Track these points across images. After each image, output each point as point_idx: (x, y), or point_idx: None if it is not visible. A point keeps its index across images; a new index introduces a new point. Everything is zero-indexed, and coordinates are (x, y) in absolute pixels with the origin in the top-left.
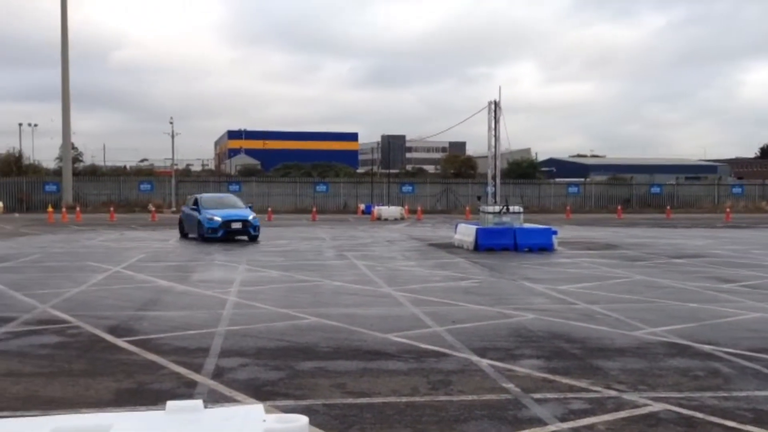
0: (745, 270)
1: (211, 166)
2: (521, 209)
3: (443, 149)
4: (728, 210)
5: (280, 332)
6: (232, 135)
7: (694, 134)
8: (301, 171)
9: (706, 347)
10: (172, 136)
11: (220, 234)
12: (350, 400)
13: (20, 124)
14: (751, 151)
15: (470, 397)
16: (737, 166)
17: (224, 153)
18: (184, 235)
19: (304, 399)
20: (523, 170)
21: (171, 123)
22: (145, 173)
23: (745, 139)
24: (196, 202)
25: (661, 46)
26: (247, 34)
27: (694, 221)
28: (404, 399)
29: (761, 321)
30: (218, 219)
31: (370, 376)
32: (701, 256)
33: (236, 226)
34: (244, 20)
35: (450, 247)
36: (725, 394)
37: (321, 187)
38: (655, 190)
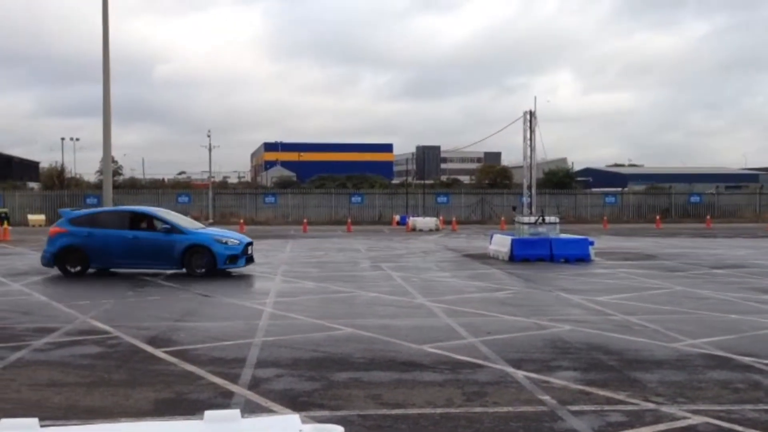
0: None
1: (248, 178)
2: (557, 219)
3: (478, 159)
4: None
5: (316, 343)
6: (269, 147)
7: (735, 142)
8: (336, 182)
9: (747, 359)
10: (210, 149)
11: (240, 264)
12: (385, 411)
13: (63, 139)
14: None
15: (506, 409)
16: None
17: (260, 165)
18: (77, 269)
19: (339, 410)
20: (559, 180)
21: (208, 136)
22: (183, 186)
23: None
24: (138, 218)
25: (702, 54)
26: (287, 47)
27: (736, 231)
28: (439, 410)
29: None
30: (236, 241)
31: (405, 387)
32: (742, 267)
33: (251, 251)
34: (284, 34)
35: (485, 258)
36: (766, 407)
37: (356, 199)
38: (695, 199)
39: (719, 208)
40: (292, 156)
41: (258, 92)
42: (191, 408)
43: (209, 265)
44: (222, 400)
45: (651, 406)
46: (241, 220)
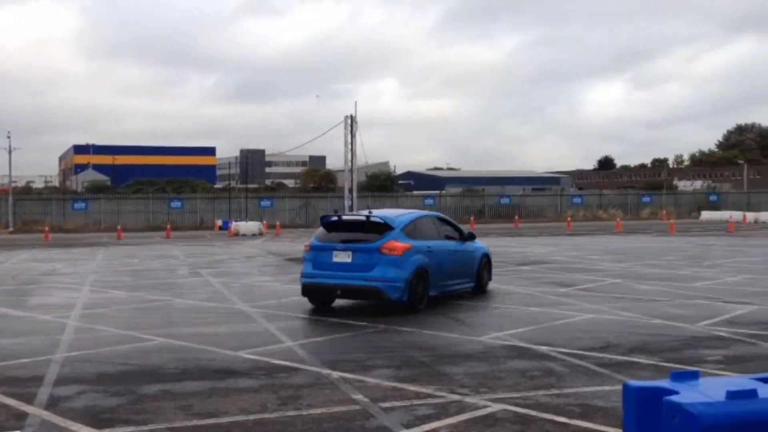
0: (582, 275)
1: (56, 183)
2: None
3: (303, 163)
4: (569, 219)
5: (124, 356)
6: (79, 150)
7: (542, 148)
8: (154, 187)
9: (543, 348)
10: (10, 152)
11: None
12: (195, 422)
13: None
14: (591, 164)
15: (319, 411)
16: (578, 177)
17: (70, 169)
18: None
19: (145, 424)
20: (381, 183)
21: (8, 137)
22: None
23: (586, 153)
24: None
25: (513, 66)
26: (105, 47)
27: (540, 230)
28: (252, 417)
29: (593, 322)
30: None
31: (219, 395)
32: (544, 263)
33: None
34: (102, 33)
35: None
36: (557, 392)
37: (176, 204)
38: (505, 201)
39: (526, 208)
40: (106, 159)
41: (71, 92)
42: None
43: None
44: (15, 422)
45: (456, 397)
46: (47, 228)
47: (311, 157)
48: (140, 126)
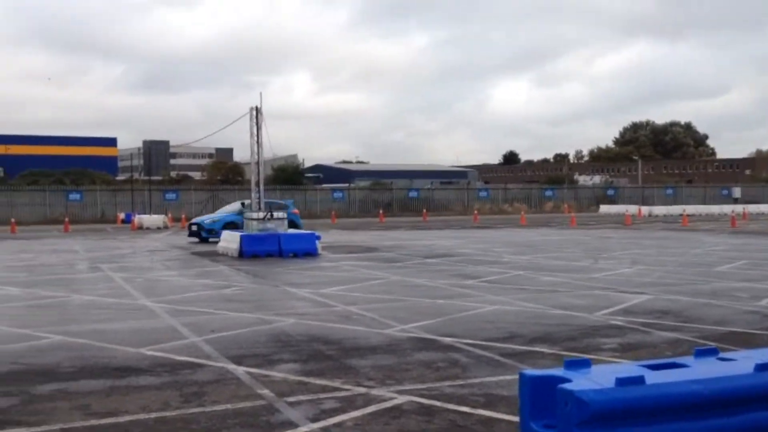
0: (487, 267)
1: None
2: (285, 215)
3: (210, 155)
4: (476, 212)
5: (16, 354)
6: None
7: (449, 143)
8: (51, 178)
9: (448, 340)
10: None
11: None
12: (93, 422)
13: None
14: (496, 158)
15: (224, 407)
16: (484, 171)
17: None
18: None
19: (39, 425)
20: (289, 176)
21: None
22: None
23: (492, 148)
24: None
25: (423, 63)
26: (4, 33)
27: (447, 223)
28: (154, 415)
29: (497, 313)
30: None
31: (119, 394)
32: (450, 255)
33: None
34: (9, 19)
35: (214, 255)
36: (462, 382)
37: (74, 196)
38: (413, 194)
39: (434, 202)
40: None
41: None
42: None
43: None
44: None
45: (362, 390)
46: None
47: (218, 149)
48: (44, 115)
